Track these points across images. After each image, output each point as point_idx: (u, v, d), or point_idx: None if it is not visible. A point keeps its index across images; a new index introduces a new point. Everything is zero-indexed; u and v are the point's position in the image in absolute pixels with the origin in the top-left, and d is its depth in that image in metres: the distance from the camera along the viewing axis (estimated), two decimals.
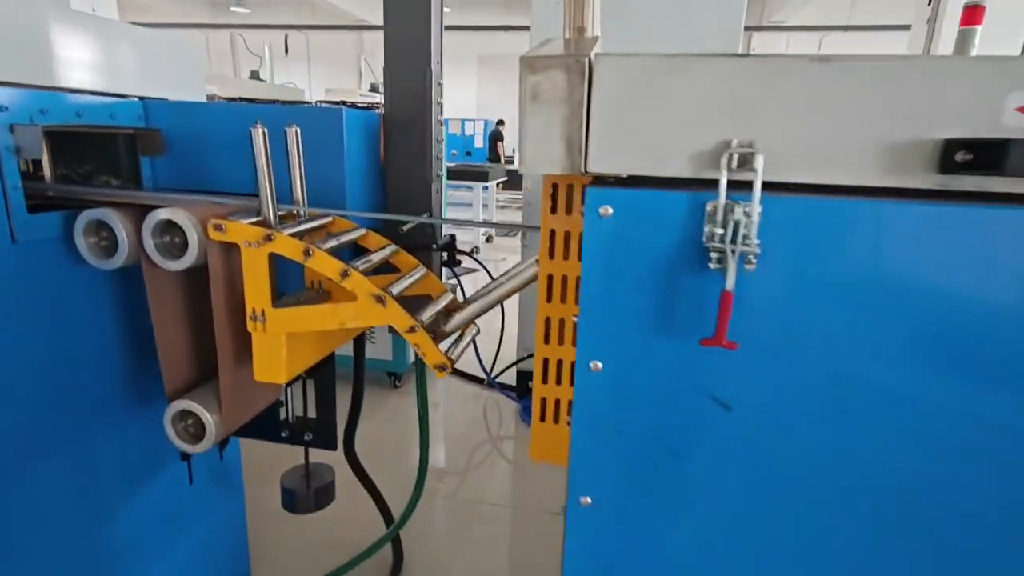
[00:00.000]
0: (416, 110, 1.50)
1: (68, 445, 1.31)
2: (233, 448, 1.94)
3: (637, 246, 0.70)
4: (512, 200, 12.00)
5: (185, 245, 1.17)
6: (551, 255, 0.94)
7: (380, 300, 1.09)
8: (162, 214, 1.13)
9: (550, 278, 0.95)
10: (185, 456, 1.69)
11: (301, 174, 1.25)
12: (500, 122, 13.30)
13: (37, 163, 1.25)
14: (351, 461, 1.87)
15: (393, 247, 1.30)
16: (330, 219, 1.31)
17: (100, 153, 1.36)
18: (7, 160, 1.12)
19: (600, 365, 0.75)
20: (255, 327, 1.16)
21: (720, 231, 0.65)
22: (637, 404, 0.75)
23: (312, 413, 1.68)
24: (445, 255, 1.45)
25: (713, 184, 0.66)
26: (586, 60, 0.67)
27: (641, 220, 0.69)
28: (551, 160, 0.70)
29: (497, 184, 8.53)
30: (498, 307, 1.20)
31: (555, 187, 0.91)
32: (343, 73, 16.60)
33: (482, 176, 7.42)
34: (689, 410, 0.73)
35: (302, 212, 1.28)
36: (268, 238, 1.10)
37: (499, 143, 12.99)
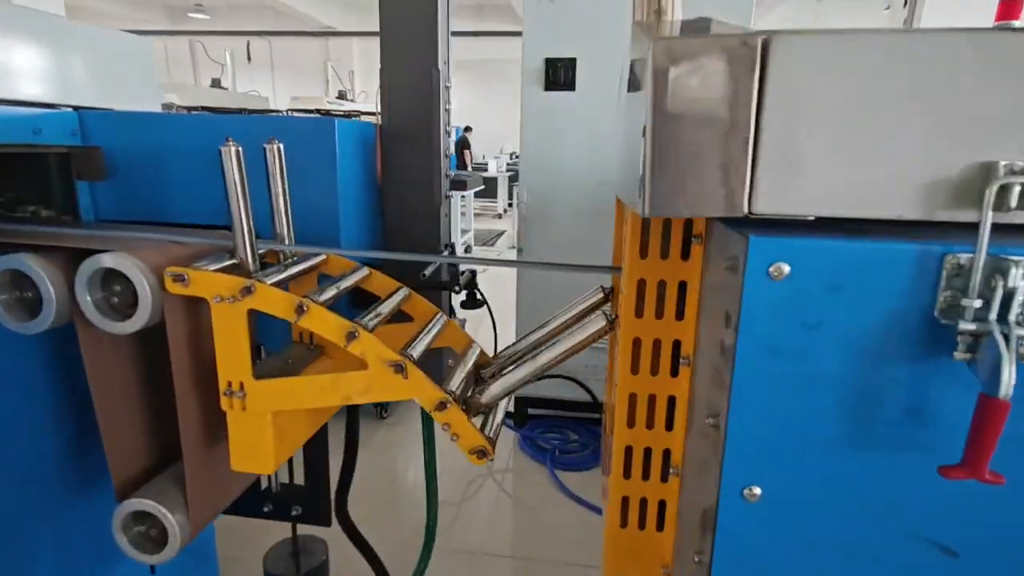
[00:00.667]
0: (421, 119, 1.24)
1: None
2: None
3: (828, 322, 0.46)
4: (486, 208, 11.77)
5: (134, 300, 0.89)
6: (639, 313, 0.70)
7: (399, 369, 0.83)
8: (104, 261, 0.85)
9: (637, 343, 0.71)
10: None
11: (286, 201, 0.99)
12: (467, 129, 13.07)
13: None
14: (346, 527, 1.59)
15: (404, 291, 1.04)
16: (323, 258, 1.04)
17: (22, 178, 1.07)
18: None
19: (759, 492, 0.51)
20: (231, 405, 0.89)
21: (975, 303, 0.42)
22: (817, 552, 0.51)
23: (300, 479, 1.41)
24: (463, 294, 1.20)
25: (958, 229, 0.43)
26: (758, 43, 0.43)
27: (836, 284, 0.46)
28: (702, 197, 0.46)
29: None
30: (488, 318, 0.95)
31: (645, 223, 0.67)
32: (309, 80, 16.16)
33: (461, 185, 7.16)
34: (896, 562, 0.50)
35: (287, 251, 1.01)
36: (247, 290, 0.83)
37: (466, 150, 12.74)
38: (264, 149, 0.95)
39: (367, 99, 13.62)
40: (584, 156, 2.84)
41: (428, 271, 1.10)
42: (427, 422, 1.50)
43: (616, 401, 0.74)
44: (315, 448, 1.35)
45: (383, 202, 1.29)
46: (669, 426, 0.73)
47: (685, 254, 0.67)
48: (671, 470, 0.73)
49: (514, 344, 1.01)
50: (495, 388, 0.88)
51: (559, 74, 2.75)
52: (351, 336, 0.83)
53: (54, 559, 1.15)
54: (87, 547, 1.22)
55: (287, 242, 1.00)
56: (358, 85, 14.84)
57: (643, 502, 0.76)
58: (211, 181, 1.14)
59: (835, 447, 0.49)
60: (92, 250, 0.87)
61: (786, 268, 0.46)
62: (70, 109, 1.13)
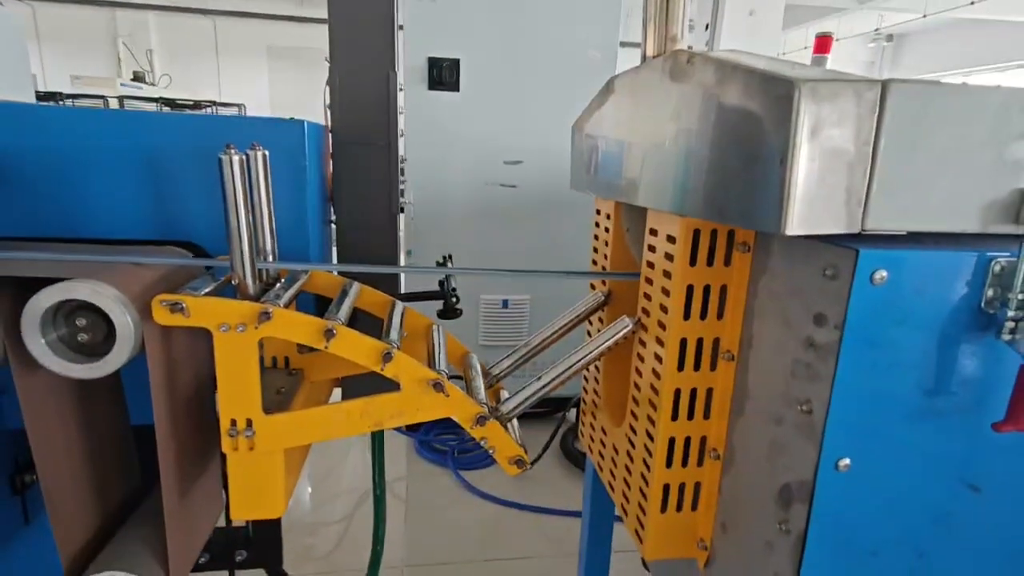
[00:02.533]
0: (378, 123, 1.19)
1: None
2: None
3: (913, 316, 0.57)
4: None
5: (105, 337, 0.74)
6: (687, 315, 0.77)
7: (438, 387, 0.80)
8: (75, 291, 0.69)
9: (683, 343, 0.78)
10: None
11: (271, 215, 0.89)
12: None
13: None
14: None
15: (401, 305, 0.99)
16: (307, 276, 0.95)
17: None
18: None
19: (848, 463, 0.61)
20: (236, 446, 0.78)
21: (1020, 296, 0.55)
22: (894, 509, 0.62)
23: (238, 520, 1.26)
24: (441, 304, 1.17)
25: (1002, 239, 0.56)
26: (879, 88, 0.51)
27: (920, 286, 0.57)
28: (832, 216, 0.53)
29: None
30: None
31: (696, 233, 0.74)
32: (92, 58, 13.75)
33: None
34: (941, 501, 0.63)
35: (269, 269, 0.91)
36: (265, 316, 0.74)
37: None
38: (247, 155, 0.84)
39: (171, 84, 12.00)
40: (470, 156, 2.87)
41: (452, 289, 1.06)
42: (378, 442, 1.44)
43: (661, 398, 0.80)
44: None
45: (335, 211, 1.21)
46: (706, 415, 0.81)
47: (726, 260, 0.75)
48: (711, 454, 0.81)
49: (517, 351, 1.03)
50: (520, 397, 0.89)
51: (443, 74, 2.74)
52: (387, 357, 0.78)
53: None
54: None
55: (271, 259, 0.90)
56: (158, 67, 13.05)
57: (681, 488, 0.83)
58: (132, 188, 0.97)
59: (911, 418, 0.60)
60: (45, 279, 0.70)
61: (886, 274, 0.56)
62: None
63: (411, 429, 3.18)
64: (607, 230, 1.03)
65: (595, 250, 1.09)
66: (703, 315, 0.77)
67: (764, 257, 0.71)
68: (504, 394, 0.97)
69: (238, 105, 10.25)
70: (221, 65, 13.65)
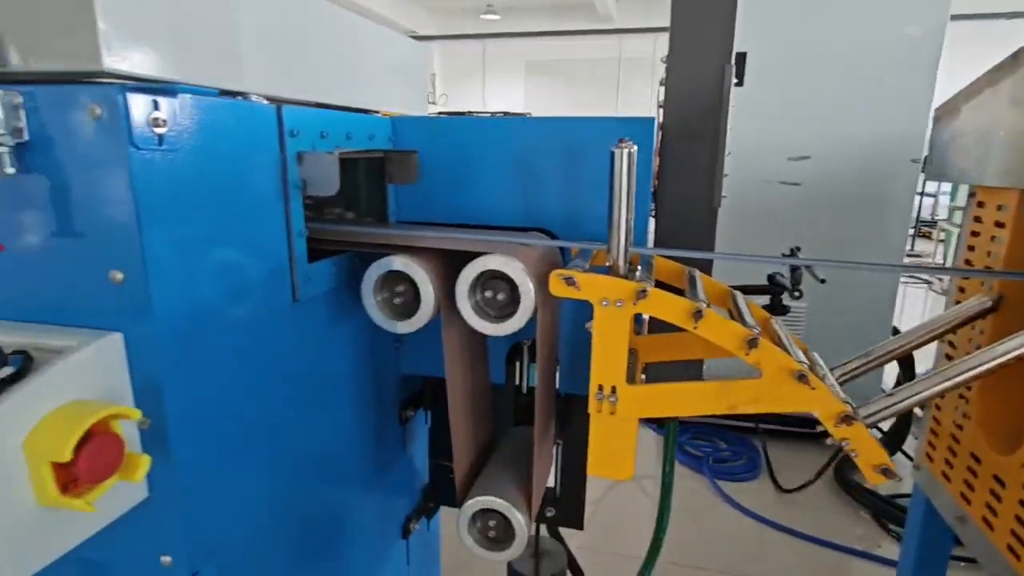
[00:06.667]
0: (707, 117, 1.20)
1: (324, 516, 1.06)
2: (435, 519, 1.67)
3: None
4: None
5: (508, 302, 0.90)
6: None
7: (801, 378, 0.79)
8: (489, 263, 0.86)
9: None
10: (407, 532, 1.43)
11: (630, 205, 0.97)
12: None
13: None
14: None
15: (742, 296, 1.00)
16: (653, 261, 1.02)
17: (345, 182, 1.11)
18: (295, 199, 0.86)
19: None
20: (600, 408, 0.88)
21: None
22: None
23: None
24: (767, 298, 1.15)
25: None
26: None
27: None
28: None
29: None
30: None
31: None
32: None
33: None
34: None
35: (619, 254, 0.99)
36: (642, 294, 0.82)
37: None
38: (612, 153, 0.93)
39: (447, 101, 13.77)
40: (748, 152, 2.71)
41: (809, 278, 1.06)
42: (672, 432, 1.46)
43: None
44: (573, 449, 1.34)
45: (656, 204, 1.26)
46: None
47: None
48: None
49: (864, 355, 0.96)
50: (886, 403, 0.83)
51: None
52: (752, 343, 0.80)
53: (361, 537, 1.20)
54: (378, 524, 1.27)
55: (623, 248, 0.99)
56: (439, 88, 15.02)
57: None
58: (511, 183, 1.14)
59: None
60: (466, 252, 0.88)
61: None
62: (380, 115, 1.17)
63: (663, 427, 3.17)
64: (999, 224, 0.89)
65: (971, 248, 0.96)
66: None
67: None
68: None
69: (505, 113, 11.35)
70: (487, 81, 15.23)
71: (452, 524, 1.11)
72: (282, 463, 0.91)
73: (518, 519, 0.96)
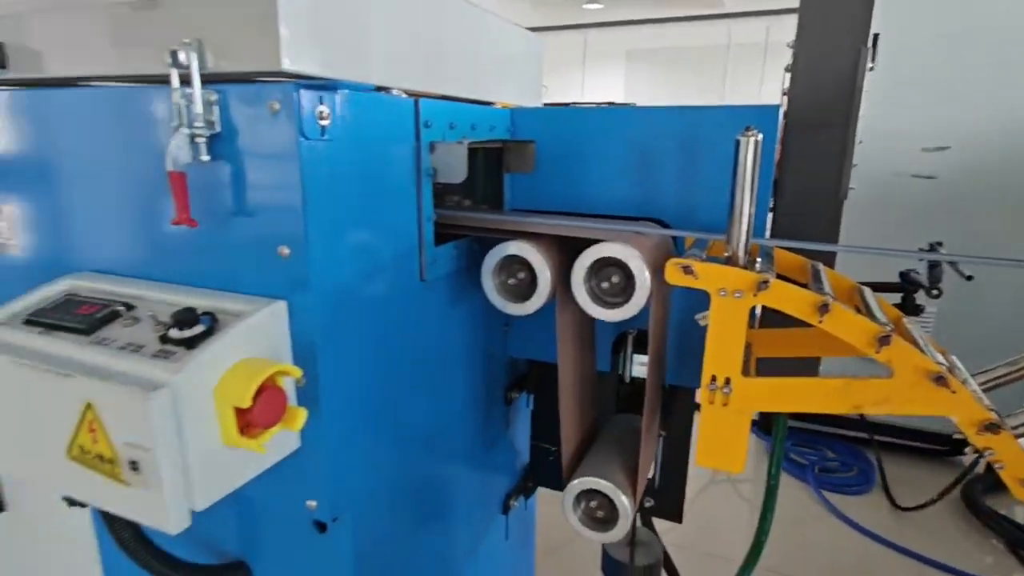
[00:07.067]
0: (837, 104, 1.14)
1: (436, 484, 1.14)
2: (531, 500, 1.72)
3: None
4: None
5: (621, 289, 0.91)
6: None
7: (940, 381, 0.75)
8: (605, 250, 0.89)
9: None
10: (506, 509, 1.49)
11: (753, 195, 0.95)
12: None
13: None
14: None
15: (871, 292, 0.96)
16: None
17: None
18: (426, 186, 0.93)
19: None
20: (711, 399, 0.88)
21: None
22: None
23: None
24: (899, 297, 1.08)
25: None
26: None
27: None
28: None
29: None
30: None
31: None
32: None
33: None
34: None
35: (739, 245, 0.98)
36: (763, 285, 0.81)
37: None
38: (738, 141, 0.91)
39: (547, 92, 13.78)
40: (875, 143, 2.52)
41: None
42: (781, 430, 1.41)
43: None
44: (675, 441, 1.33)
45: (776, 195, 1.22)
46: None
47: None
48: None
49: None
50: None
51: None
52: (884, 341, 0.77)
53: (468, 510, 1.27)
54: (482, 498, 1.34)
55: (743, 238, 0.97)
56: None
57: None
58: (625, 172, 1.15)
59: None
60: (581, 239, 0.90)
61: None
62: (499, 106, 1.22)
63: (766, 432, 3.04)
64: None
65: None
66: None
67: None
68: None
69: (610, 103, 11.15)
70: (586, 72, 15.07)
71: (546, 509, 1.14)
72: (404, 431, 0.99)
73: (623, 502, 0.98)
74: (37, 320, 0.74)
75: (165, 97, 0.73)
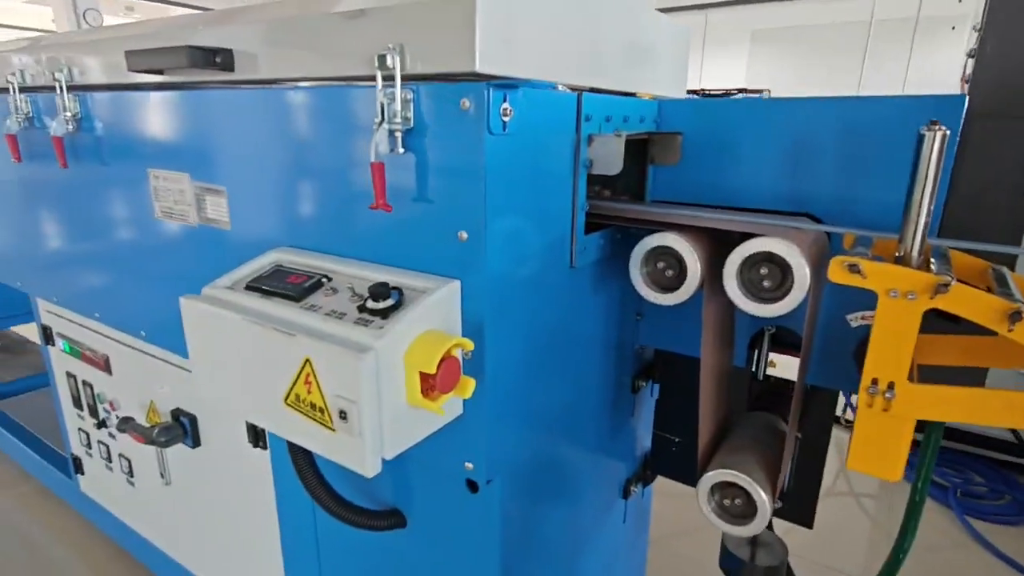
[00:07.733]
0: None
1: (567, 462, 1.20)
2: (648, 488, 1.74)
3: None
4: None
5: (775, 285, 0.91)
6: None
7: None
8: (764, 244, 0.88)
9: None
10: (627, 494, 1.53)
11: (934, 194, 0.90)
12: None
13: None
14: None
15: None
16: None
17: None
18: (582, 176, 0.97)
19: None
20: (871, 403, 0.85)
21: None
22: None
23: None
24: None
25: None
26: None
27: None
28: None
29: None
30: None
31: None
32: None
33: None
34: None
35: (914, 244, 0.92)
36: (942, 288, 0.77)
37: None
38: (922, 135, 0.86)
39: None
40: None
41: None
42: (934, 441, 1.31)
43: None
44: (815, 443, 1.29)
45: (949, 194, 1.12)
46: None
47: None
48: None
49: None
50: None
51: None
52: None
53: (595, 491, 1.32)
54: (608, 482, 1.38)
55: (919, 237, 0.92)
56: None
57: None
58: (776, 165, 1.12)
59: None
60: (733, 233, 0.90)
61: None
62: (649, 98, 1.23)
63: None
64: None
65: None
66: None
67: None
68: None
69: (761, 90, 10.05)
70: (706, 54, 14.35)
71: (661, 500, 1.14)
72: (546, 408, 1.05)
73: (761, 496, 0.98)
74: (256, 287, 0.87)
75: (364, 96, 0.82)
